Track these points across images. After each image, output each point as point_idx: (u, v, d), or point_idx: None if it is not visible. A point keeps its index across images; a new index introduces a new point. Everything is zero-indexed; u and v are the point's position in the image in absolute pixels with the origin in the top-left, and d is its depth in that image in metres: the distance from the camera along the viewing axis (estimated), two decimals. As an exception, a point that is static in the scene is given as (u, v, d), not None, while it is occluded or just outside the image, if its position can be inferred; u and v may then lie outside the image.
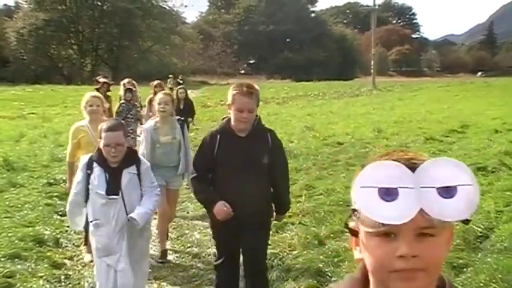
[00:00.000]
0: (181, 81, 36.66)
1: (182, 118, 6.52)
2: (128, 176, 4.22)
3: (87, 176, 4.18)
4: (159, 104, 6.03)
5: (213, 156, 4.05)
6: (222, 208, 3.97)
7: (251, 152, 4.05)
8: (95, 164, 4.18)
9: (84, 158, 4.35)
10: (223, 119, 4.22)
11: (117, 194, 4.15)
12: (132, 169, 4.27)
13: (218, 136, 4.07)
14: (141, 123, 9.91)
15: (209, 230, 5.77)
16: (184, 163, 6.05)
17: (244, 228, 4.11)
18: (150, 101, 11.02)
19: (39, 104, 28.84)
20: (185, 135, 6.23)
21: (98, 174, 4.15)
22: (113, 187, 4.14)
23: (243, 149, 4.01)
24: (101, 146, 4.15)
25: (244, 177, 3.98)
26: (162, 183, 5.62)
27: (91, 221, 4.24)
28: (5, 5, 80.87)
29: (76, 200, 4.32)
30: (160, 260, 6.08)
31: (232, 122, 4.03)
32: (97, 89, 10.51)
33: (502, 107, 23.79)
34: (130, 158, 4.31)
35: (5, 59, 65.44)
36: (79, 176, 4.28)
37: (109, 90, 11.32)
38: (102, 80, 11.50)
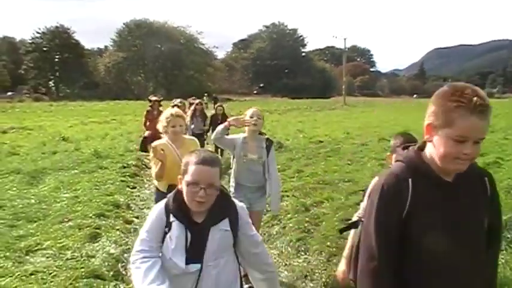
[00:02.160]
0: (215, 98, 37.92)
1: (271, 139, 4.20)
2: (217, 234, 1.92)
3: (163, 235, 1.92)
4: (251, 116, 4.00)
5: (401, 217, 1.47)
6: None
7: (467, 208, 1.49)
8: (171, 217, 1.92)
9: (156, 208, 1.99)
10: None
11: (200, 262, 1.90)
12: (224, 224, 1.94)
13: (409, 182, 1.47)
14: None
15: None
16: (270, 185, 4.03)
17: None
18: (194, 114, 9.45)
19: (118, 113, 28.97)
20: (270, 157, 4.07)
21: (176, 235, 1.90)
22: (196, 253, 1.90)
23: (453, 202, 1.48)
24: (184, 184, 1.90)
25: (460, 253, 1.46)
26: (245, 205, 3.22)
27: None
28: (98, 47, 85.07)
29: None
30: None
31: (435, 157, 1.46)
32: (151, 106, 9.43)
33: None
34: (223, 208, 1.96)
35: (97, 84, 68.13)
36: (152, 233, 1.94)
37: (161, 106, 9.59)
38: (153, 98, 9.79)
